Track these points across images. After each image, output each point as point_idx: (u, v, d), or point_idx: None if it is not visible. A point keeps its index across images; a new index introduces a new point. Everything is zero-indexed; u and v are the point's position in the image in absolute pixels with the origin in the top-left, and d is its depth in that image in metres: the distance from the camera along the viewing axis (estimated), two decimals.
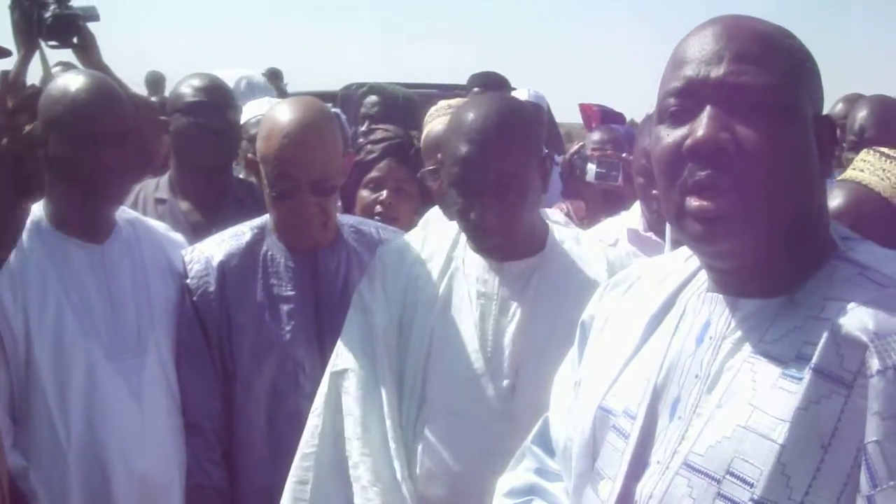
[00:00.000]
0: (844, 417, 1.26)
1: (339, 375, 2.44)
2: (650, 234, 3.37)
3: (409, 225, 3.25)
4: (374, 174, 3.52)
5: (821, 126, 1.42)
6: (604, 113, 5.82)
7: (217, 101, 3.57)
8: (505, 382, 2.33)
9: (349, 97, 6.99)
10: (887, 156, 2.27)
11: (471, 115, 2.31)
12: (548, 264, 2.41)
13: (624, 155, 3.95)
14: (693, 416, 1.42)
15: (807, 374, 1.29)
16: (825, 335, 1.30)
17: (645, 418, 1.48)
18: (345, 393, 2.42)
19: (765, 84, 1.36)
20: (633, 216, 3.50)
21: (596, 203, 4.04)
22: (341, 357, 2.46)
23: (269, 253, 2.74)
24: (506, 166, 2.27)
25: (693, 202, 1.37)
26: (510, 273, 2.40)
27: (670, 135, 1.41)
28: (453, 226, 2.51)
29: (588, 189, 4.04)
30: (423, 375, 2.38)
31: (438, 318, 2.40)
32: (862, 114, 3.74)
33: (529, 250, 2.42)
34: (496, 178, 2.26)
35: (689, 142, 1.37)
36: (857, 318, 1.28)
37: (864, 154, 2.33)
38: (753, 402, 1.34)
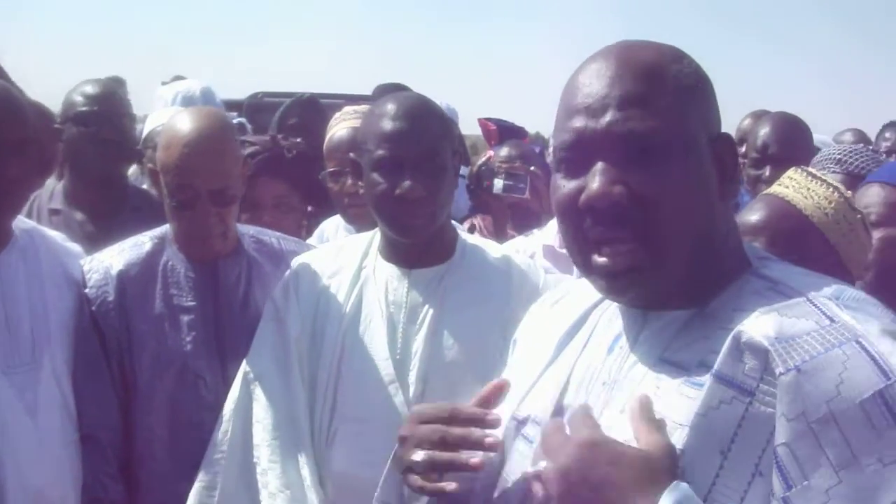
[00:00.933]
0: (745, 424, 1.27)
1: (251, 382, 2.45)
2: (565, 249, 3.39)
3: (298, 237, 3.24)
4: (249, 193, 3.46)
5: (719, 147, 1.45)
6: (501, 129, 5.85)
7: (108, 110, 3.52)
8: (413, 389, 2.36)
9: (255, 106, 6.96)
10: (815, 177, 2.30)
11: (390, 103, 2.40)
12: (456, 271, 2.46)
13: (532, 168, 3.99)
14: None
15: (707, 380, 1.31)
16: (727, 342, 1.31)
17: None
18: (255, 400, 2.43)
19: (652, 127, 1.37)
20: (549, 233, 3.52)
21: (503, 216, 4.09)
22: (253, 364, 2.47)
23: (170, 263, 2.71)
24: (428, 142, 2.35)
25: (597, 259, 1.40)
26: (419, 280, 2.44)
27: (566, 186, 1.43)
28: (364, 237, 2.55)
29: (495, 202, 4.08)
30: (335, 383, 2.40)
31: (350, 327, 2.42)
32: (764, 130, 3.75)
33: (439, 257, 2.46)
34: (422, 151, 2.33)
35: (583, 198, 1.39)
36: (760, 325, 1.30)
37: (791, 172, 2.35)
38: (655, 407, 1.35)
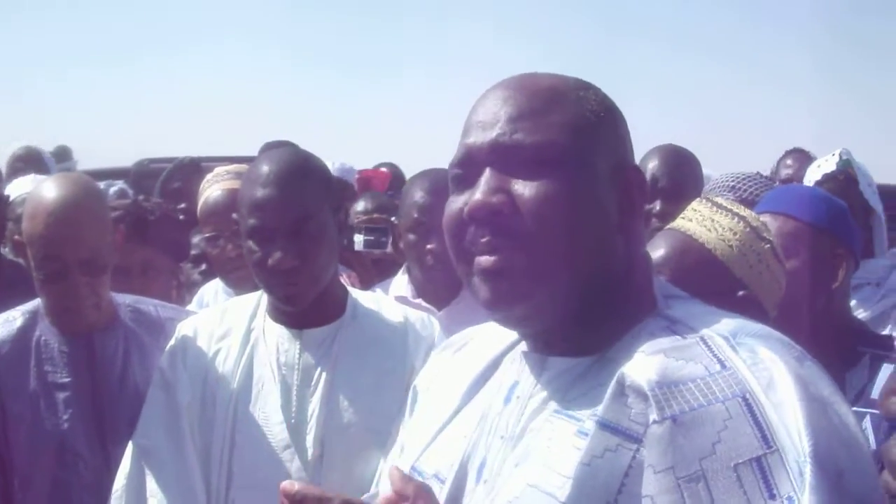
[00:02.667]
0: (632, 472, 1.22)
1: (143, 455, 2.36)
2: (419, 300, 3.37)
3: (168, 300, 3.16)
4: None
5: (625, 178, 1.40)
6: (395, 176, 5.75)
7: None
8: (310, 453, 2.31)
9: (142, 172, 6.85)
10: (720, 206, 2.23)
11: (264, 164, 2.34)
12: (349, 329, 2.42)
13: (392, 219, 3.95)
14: (497, 477, 1.38)
15: (592, 428, 1.26)
16: (611, 385, 1.27)
17: (453, 482, 1.45)
18: (148, 474, 2.34)
19: (540, 140, 1.35)
20: (401, 283, 3.47)
21: (367, 272, 4.02)
22: (144, 436, 2.38)
23: (43, 338, 2.61)
24: (300, 207, 2.29)
25: (478, 260, 1.36)
26: (311, 340, 2.40)
27: (455, 201, 1.41)
28: (251, 297, 2.50)
29: (357, 258, 4.01)
30: (229, 451, 2.33)
31: (241, 392, 2.37)
32: (653, 164, 3.62)
33: (330, 316, 2.42)
34: (292, 219, 2.28)
35: (466, 207, 1.37)
36: (644, 368, 1.25)
37: (695, 203, 2.27)
38: (547, 460, 1.30)
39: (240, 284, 3.27)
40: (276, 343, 2.41)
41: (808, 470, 1.13)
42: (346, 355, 2.38)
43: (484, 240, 1.35)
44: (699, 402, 1.20)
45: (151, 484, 2.34)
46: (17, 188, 4.15)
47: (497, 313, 1.41)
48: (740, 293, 2.11)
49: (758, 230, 2.20)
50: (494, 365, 1.55)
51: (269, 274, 2.31)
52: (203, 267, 3.86)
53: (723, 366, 1.23)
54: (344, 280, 4.11)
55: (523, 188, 1.34)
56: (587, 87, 1.44)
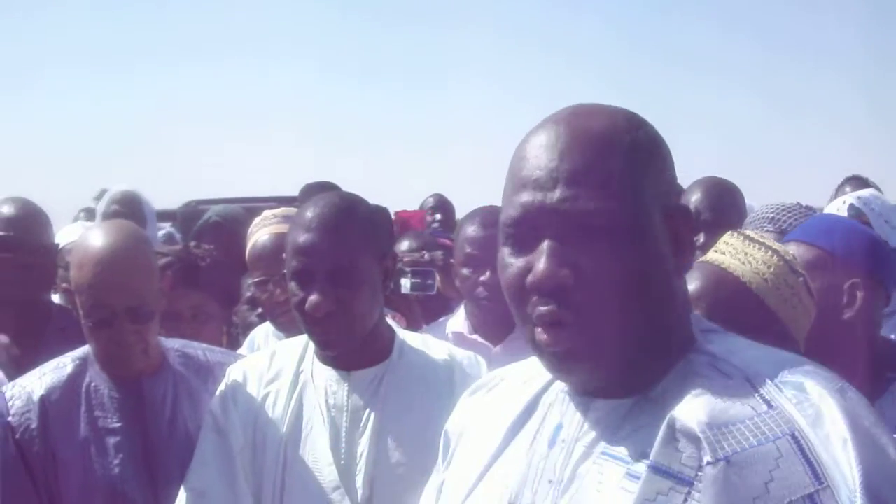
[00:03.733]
0: None
1: (196, 499, 2.37)
2: (475, 336, 3.39)
3: (219, 345, 3.19)
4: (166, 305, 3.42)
5: (674, 220, 1.39)
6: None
7: (25, 233, 3.43)
8: (360, 494, 2.31)
9: (189, 214, 6.90)
10: (752, 240, 2.23)
11: (309, 210, 2.36)
12: (396, 370, 2.43)
13: (437, 255, 3.96)
14: None
15: (643, 471, 1.26)
16: (662, 429, 1.27)
17: None
18: None
19: (603, 208, 1.31)
20: (458, 320, 3.51)
21: (414, 314, 4.00)
22: (197, 478, 2.39)
23: (93, 384, 2.63)
24: (339, 254, 2.30)
25: (541, 336, 1.35)
26: (359, 382, 2.40)
27: (513, 264, 1.37)
28: (299, 340, 2.51)
29: (404, 300, 3.98)
30: (280, 492, 2.34)
31: (291, 435, 2.37)
32: (695, 196, 3.65)
33: (377, 357, 2.43)
34: (330, 265, 2.29)
35: (530, 279, 1.34)
36: (693, 410, 1.26)
37: (727, 237, 2.27)
38: None
39: (289, 328, 3.27)
40: (324, 385, 2.41)
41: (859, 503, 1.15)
42: (393, 396, 2.39)
43: (547, 309, 1.33)
44: (750, 442, 1.21)
45: None
46: (67, 236, 4.21)
47: (562, 377, 1.43)
48: (775, 326, 2.10)
49: (791, 263, 2.19)
50: (532, 406, 1.53)
51: (306, 317, 2.32)
52: (259, 310, 3.88)
53: (769, 405, 1.25)
54: (391, 321, 4.15)
55: (589, 260, 1.32)
56: (638, 125, 1.40)
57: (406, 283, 3.82)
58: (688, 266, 1.45)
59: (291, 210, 3.64)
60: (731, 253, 2.19)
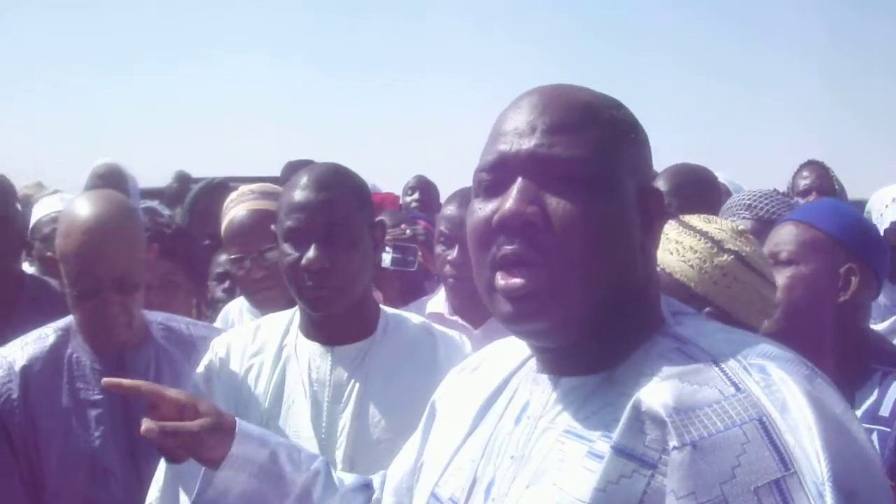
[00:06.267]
0: (647, 499, 1.22)
1: (176, 470, 2.35)
2: (456, 317, 3.39)
3: (186, 315, 3.18)
4: None
5: (646, 198, 1.40)
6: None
7: None
8: (340, 468, 2.28)
9: (184, 179, 6.94)
10: (686, 226, 2.24)
11: (305, 173, 2.37)
12: (380, 346, 2.42)
13: (416, 230, 3.96)
14: (505, 497, 1.38)
15: (607, 452, 1.27)
16: (626, 411, 1.27)
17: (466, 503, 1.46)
18: (181, 489, 2.33)
19: (576, 155, 1.34)
20: (438, 300, 3.51)
21: (393, 290, 3.97)
22: None
23: (75, 355, 2.62)
24: (335, 211, 2.30)
25: (500, 280, 1.35)
26: (343, 356, 2.40)
27: (482, 208, 1.39)
28: (284, 315, 2.51)
29: (384, 275, 3.94)
30: None
31: (272, 408, 2.37)
32: (664, 183, 3.62)
33: (362, 332, 2.43)
34: (326, 222, 2.29)
35: (496, 216, 1.35)
36: (660, 394, 1.25)
37: (666, 227, 2.17)
38: (558, 481, 1.31)
39: (265, 305, 3.26)
40: (307, 359, 2.41)
41: (827, 492, 1.14)
42: (377, 372, 2.39)
43: (511, 248, 1.34)
44: (717, 427, 1.21)
45: (184, 499, 2.34)
46: (44, 208, 4.17)
47: (517, 327, 1.41)
48: (707, 310, 2.10)
49: (721, 243, 2.19)
50: (502, 386, 1.56)
51: (300, 274, 2.31)
52: (227, 284, 3.87)
53: (737, 388, 1.24)
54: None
55: (557, 204, 1.33)
56: (618, 105, 1.44)
57: (387, 258, 3.77)
58: (653, 249, 1.45)
59: (269, 186, 3.61)
60: (663, 244, 2.17)
